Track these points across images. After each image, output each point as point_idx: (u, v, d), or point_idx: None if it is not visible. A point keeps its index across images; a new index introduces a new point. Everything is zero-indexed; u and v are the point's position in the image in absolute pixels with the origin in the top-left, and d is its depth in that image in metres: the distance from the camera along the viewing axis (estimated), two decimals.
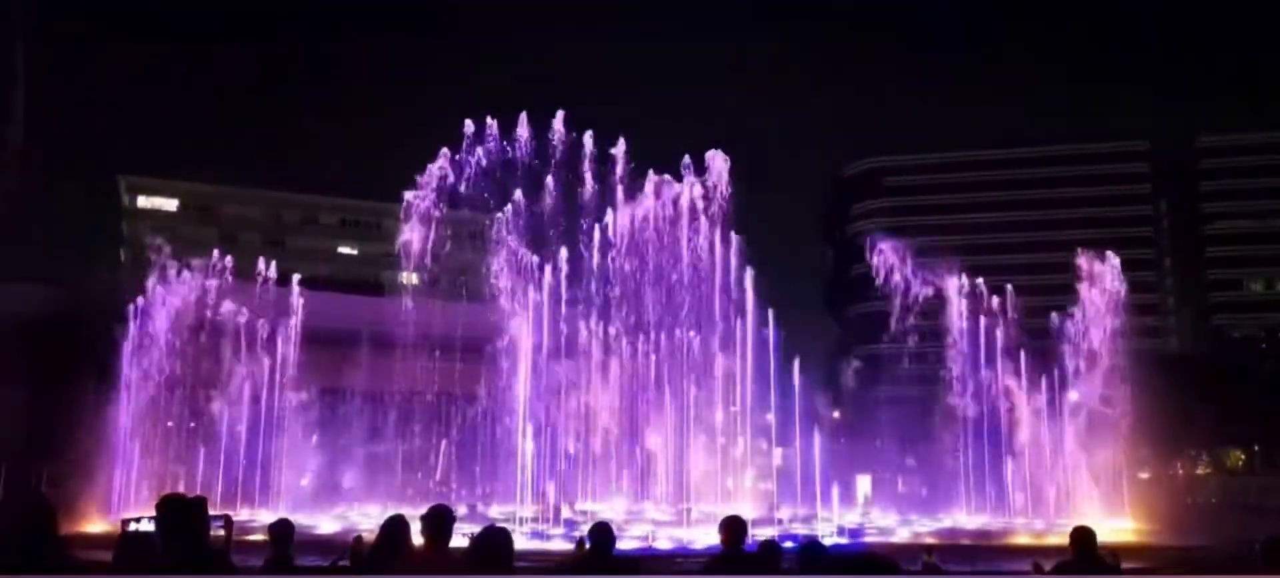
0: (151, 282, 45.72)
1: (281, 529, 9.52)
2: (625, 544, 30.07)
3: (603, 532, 7.38)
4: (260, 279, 51.10)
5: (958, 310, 50.48)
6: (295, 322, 50.48)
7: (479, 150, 45.23)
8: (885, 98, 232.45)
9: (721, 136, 45.15)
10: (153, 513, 7.26)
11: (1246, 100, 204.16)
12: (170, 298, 48.91)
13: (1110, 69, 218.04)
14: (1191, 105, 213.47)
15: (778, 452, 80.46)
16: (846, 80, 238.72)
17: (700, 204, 45.11)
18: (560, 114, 45.60)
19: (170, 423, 48.49)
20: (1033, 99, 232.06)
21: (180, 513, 6.65)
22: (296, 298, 51.80)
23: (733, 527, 7.50)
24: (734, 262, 45.84)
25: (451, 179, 45.57)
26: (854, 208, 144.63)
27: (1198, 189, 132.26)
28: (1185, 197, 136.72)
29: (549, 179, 45.76)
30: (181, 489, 42.35)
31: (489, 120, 45.32)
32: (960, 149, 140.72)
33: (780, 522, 36.39)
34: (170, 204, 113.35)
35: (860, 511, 59.70)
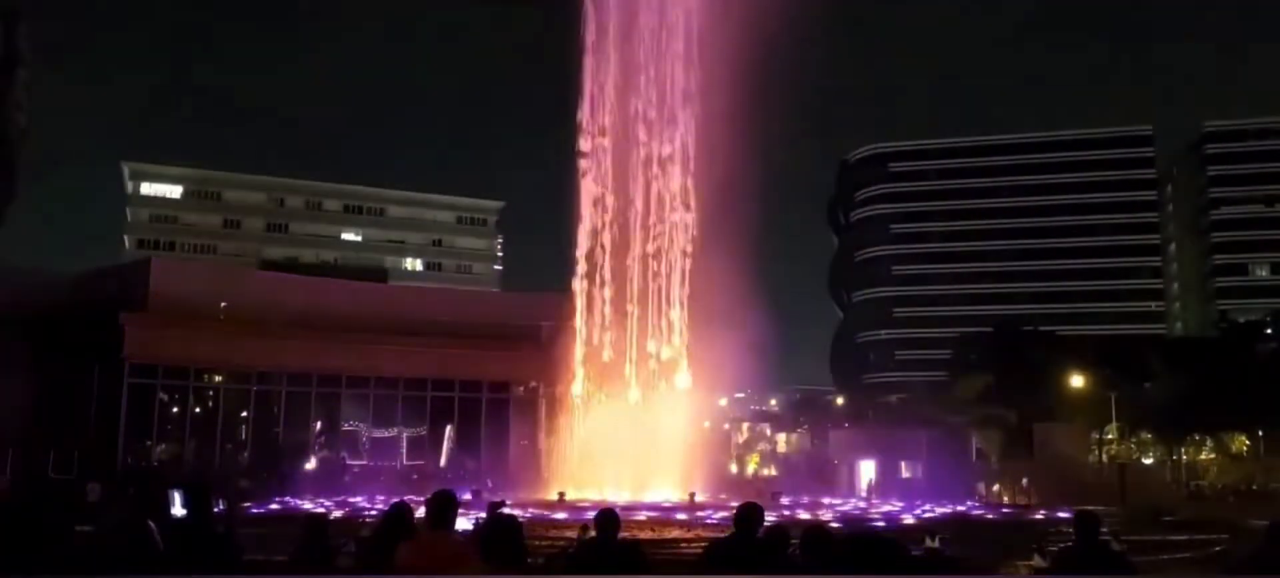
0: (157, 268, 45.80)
1: (317, 522, 9.56)
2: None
3: (608, 518, 7.39)
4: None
5: None
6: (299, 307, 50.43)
7: None
8: (891, 82, 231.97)
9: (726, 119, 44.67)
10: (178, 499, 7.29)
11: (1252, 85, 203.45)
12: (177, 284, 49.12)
13: (1115, 54, 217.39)
14: (1196, 91, 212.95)
15: (780, 438, 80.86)
16: (852, 63, 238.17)
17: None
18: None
19: (175, 410, 48.71)
20: (1038, 85, 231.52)
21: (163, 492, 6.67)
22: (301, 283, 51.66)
23: (747, 514, 7.46)
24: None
25: None
26: (858, 194, 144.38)
27: (1203, 174, 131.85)
28: (1190, 182, 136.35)
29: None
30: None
31: None
32: (965, 134, 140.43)
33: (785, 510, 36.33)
34: (174, 190, 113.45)
35: (865, 495, 59.78)
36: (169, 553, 6.46)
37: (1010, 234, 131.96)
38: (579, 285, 45.27)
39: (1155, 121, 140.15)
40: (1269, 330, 69.61)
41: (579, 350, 44.89)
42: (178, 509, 7.22)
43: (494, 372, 52.92)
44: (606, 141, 45.48)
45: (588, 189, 45.33)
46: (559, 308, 48.33)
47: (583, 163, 45.49)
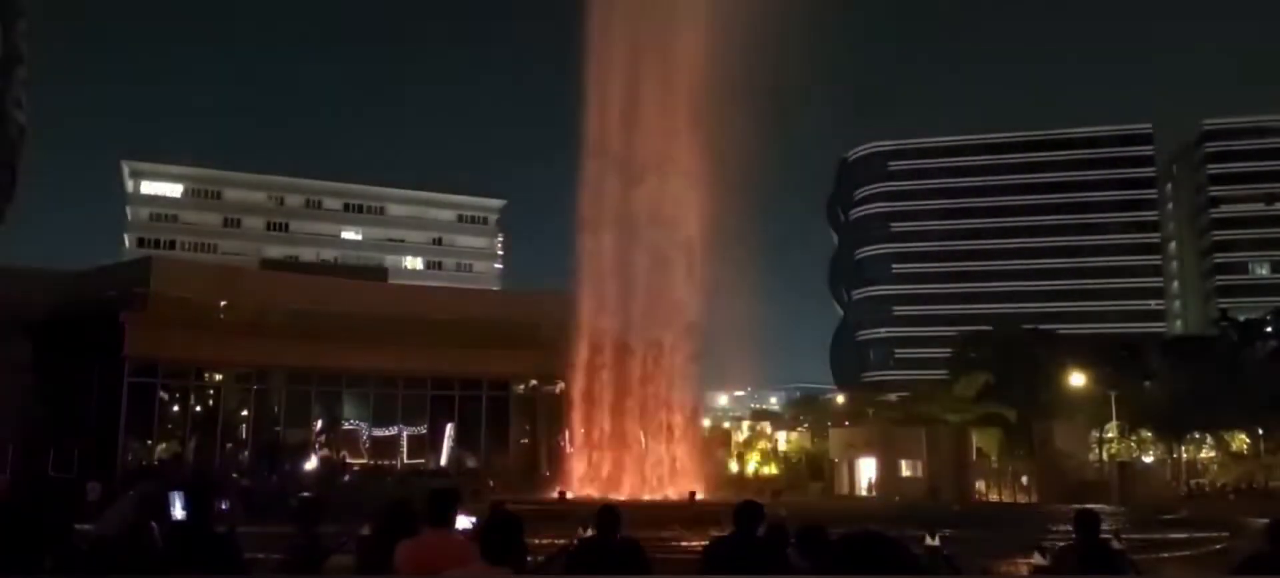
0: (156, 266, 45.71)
1: (308, 506, 9.21)
2: None
3: (608, 515, 7.37)
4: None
5: None
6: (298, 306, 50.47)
7: None
8: (891, 79, 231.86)
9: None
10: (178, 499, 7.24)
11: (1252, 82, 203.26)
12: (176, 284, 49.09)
13: (1115, 52, 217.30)
14: (1196, 88, 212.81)
15: (780, 437, 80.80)
16: (852, 59, 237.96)
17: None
18: None
19: (176, 408, 48.75)
20: (1038, 82, 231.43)
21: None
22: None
23: (746, 512, 7.48)
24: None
25: None
26: (857, 191, 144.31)
27: (1202, 172, 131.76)
28: (1190, 180, 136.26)
29: None
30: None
31: None
32: (965, 132, 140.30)
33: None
34: (174, 189, 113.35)
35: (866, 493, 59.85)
36: (169, 554, 6.46)
37: (1010, 232, 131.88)
38: (578, 394, 44.44)
39: (1155, 119, 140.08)
40: (1269, 328, 69.53)
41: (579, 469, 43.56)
42: (177, 512, 7.18)
43: (494, 370, 52.96)
44: (609, 240, 44.41)
45: (589, 294, 44.54)
46: (560, 307, 48.22)
47: (586, 264, 44.64)
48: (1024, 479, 61.17)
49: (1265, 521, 7.03)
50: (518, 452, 53.90)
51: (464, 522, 6.99)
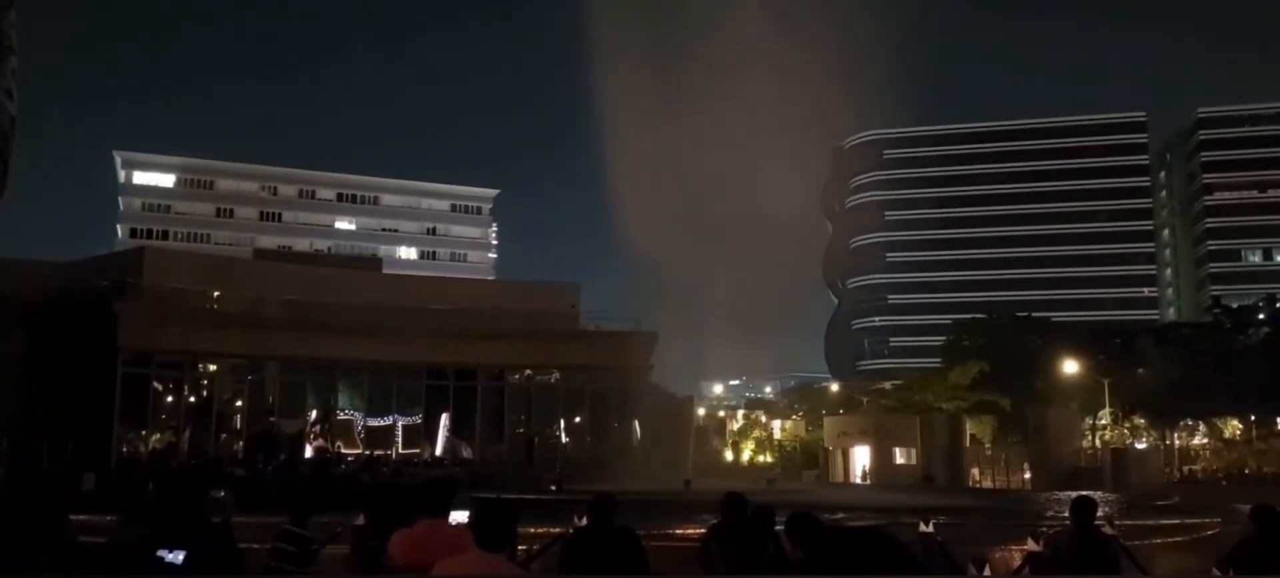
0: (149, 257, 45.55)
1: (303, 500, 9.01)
2: None
3: (603, 503, 7.37)
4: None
5: None
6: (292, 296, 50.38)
7: None
8: (887, 68, 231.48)
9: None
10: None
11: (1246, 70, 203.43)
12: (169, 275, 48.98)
13: (1109, 40, 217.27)
14: (1190, 76, 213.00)
15: (775, 426, 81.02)
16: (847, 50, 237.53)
17: None
18: None
19: (170, 399, 48.65)
20: (1032, 70, 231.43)
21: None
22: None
23: (732, 502, 7.61)
24: None
25: None
26: (852, 180, 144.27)
27: (1196, 160, 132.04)
28: (1183, 168, 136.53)
29: None
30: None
31: None
32: (959, 121, 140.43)
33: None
34: (166, 179, 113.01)
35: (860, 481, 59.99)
36: (163, 545, 6.43)
37: (1004, 221, 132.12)
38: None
39: (1148, 107, 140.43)
40: (1261, 316, 69.71)
41: None
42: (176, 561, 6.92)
43: (489, 360, 52.91)
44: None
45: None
46: (554, 296, 48.19)
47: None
48: (1023, 467, 61.37)
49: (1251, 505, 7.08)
50: (513, 442, 53.88)
51: (459, 514, 6.98)
